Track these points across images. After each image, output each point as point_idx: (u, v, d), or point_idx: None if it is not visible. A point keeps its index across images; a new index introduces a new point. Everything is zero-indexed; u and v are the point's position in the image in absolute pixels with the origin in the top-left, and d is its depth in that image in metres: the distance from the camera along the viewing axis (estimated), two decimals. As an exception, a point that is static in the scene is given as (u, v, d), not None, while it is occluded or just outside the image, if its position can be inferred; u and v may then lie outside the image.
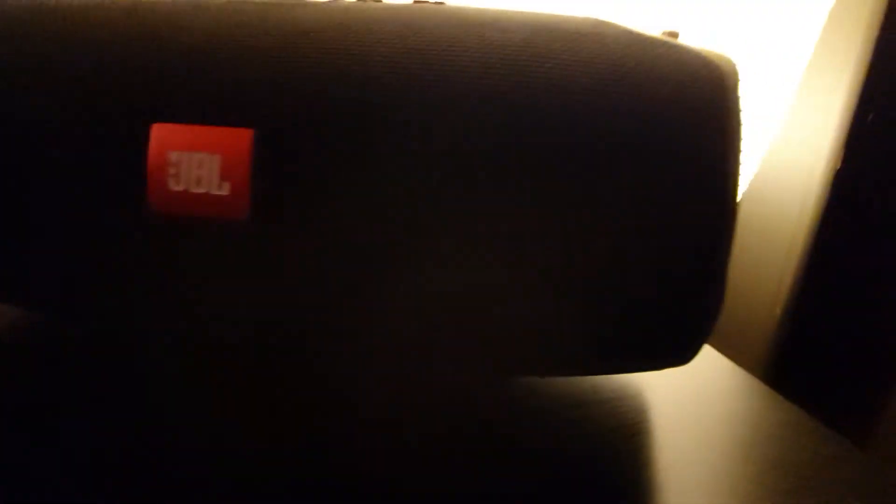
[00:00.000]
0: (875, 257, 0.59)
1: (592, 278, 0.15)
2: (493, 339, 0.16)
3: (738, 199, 0.15)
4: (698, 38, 0.19)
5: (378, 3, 0.17)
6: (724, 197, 0.15)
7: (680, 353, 0.17)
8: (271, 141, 0.14)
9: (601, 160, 0.14)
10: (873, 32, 0.53)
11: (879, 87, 0.52)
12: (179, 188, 0.14)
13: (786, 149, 0.57)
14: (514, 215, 0.14)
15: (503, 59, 0.14)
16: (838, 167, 0.53)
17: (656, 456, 0.18)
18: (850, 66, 0.52)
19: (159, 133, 0.14)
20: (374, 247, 0.14)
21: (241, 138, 0.14)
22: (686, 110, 0.15)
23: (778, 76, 0.38)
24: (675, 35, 0.18)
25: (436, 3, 0.18)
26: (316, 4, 0.16)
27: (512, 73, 0.14)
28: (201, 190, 0.14)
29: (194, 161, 0.14)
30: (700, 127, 0.15)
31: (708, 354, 0.23)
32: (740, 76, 0.17)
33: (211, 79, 0.14)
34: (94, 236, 0.15)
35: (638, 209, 0.14)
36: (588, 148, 0.14)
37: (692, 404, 0.21)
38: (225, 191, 0.14)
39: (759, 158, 0.47)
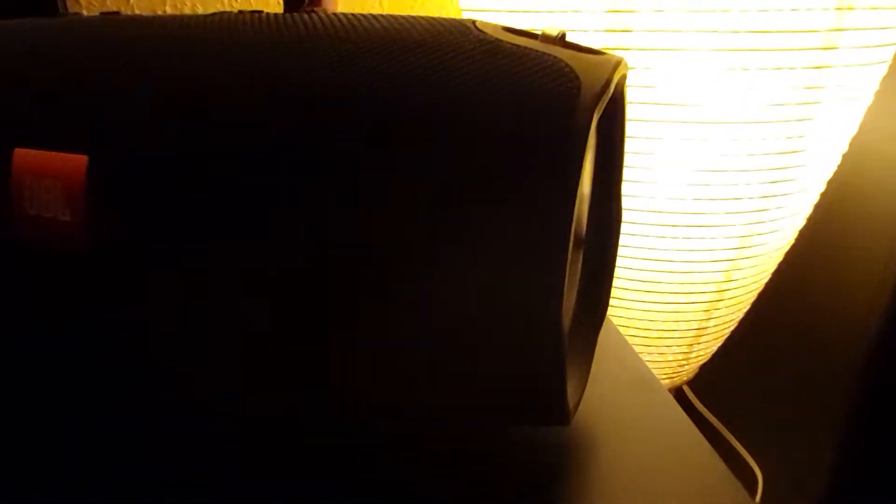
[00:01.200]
0: None
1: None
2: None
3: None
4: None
5: (215, 17, 0.17)
6: (555, 245, 0.13)
7: (546, 413, 0.16)
8: (108, 166, 0.14)
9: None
10: None
11: None
12: (33, 212, 0.15)
13: (879, 143, 0.49)
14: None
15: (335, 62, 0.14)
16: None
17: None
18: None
19: (19, 158, 0.15)
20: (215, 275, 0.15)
21: (77, 164, 0.14)
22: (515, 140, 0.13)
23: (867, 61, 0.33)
24: (560, 36, 0.16)
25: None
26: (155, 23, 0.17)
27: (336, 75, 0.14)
28: (49, 215, 0.15)
29: (43, 186, 0.15)
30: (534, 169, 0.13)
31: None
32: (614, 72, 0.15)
33: (61, 104, 0.15)
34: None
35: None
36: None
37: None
38: (67, 216, 0.15)
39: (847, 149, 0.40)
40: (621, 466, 0.18)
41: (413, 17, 0.17)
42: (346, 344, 0.15)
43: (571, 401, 0.18)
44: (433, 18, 0.17)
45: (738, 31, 0.31)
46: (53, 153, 0.15)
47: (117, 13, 0.19)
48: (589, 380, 0.22)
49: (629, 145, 0.36)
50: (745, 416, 0.66)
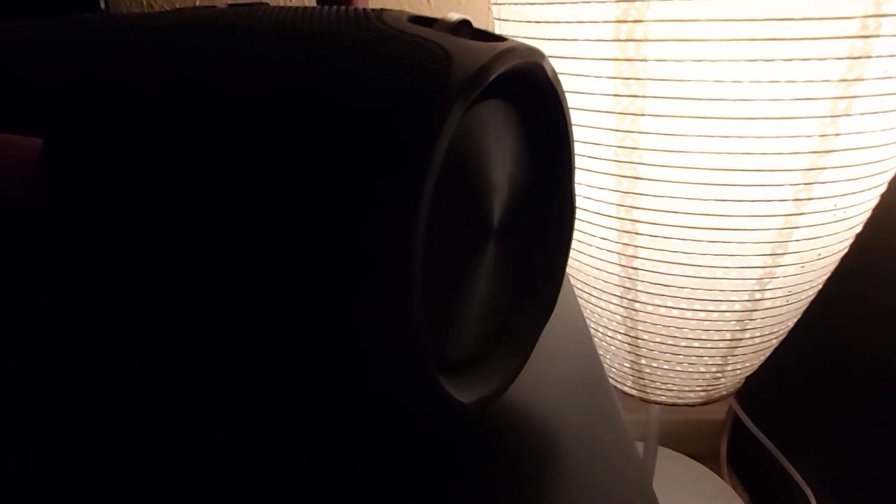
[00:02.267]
0: None
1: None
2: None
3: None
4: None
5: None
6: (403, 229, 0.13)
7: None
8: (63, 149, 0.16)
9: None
10: None
11: None
12: None
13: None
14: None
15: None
16: None
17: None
18: None
19: None
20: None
21: (32, 146, 0.16)
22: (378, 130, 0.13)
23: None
24: (458, 23, 0.16)
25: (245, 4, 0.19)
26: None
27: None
28: (10, 192, 0.17)
29: (3, 166, 0.17)
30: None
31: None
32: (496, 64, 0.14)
33: (22, 89, 0.17)
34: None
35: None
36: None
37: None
38: (23, 192, 0.17)
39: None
40: (541, 458, 0.18)
41: (327, 11, 0.17)
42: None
43: (474, 394, 0.18)
44: (346, 11, 0.17)
45: (765, 20, 0.29)
46: (10, 136, 0.17)
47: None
48: (535, 376, 0.22)
49: (651, 146, 0.35)
50: (799, 438, 0.61)
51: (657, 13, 0.31)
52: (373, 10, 0.17)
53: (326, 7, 0.18)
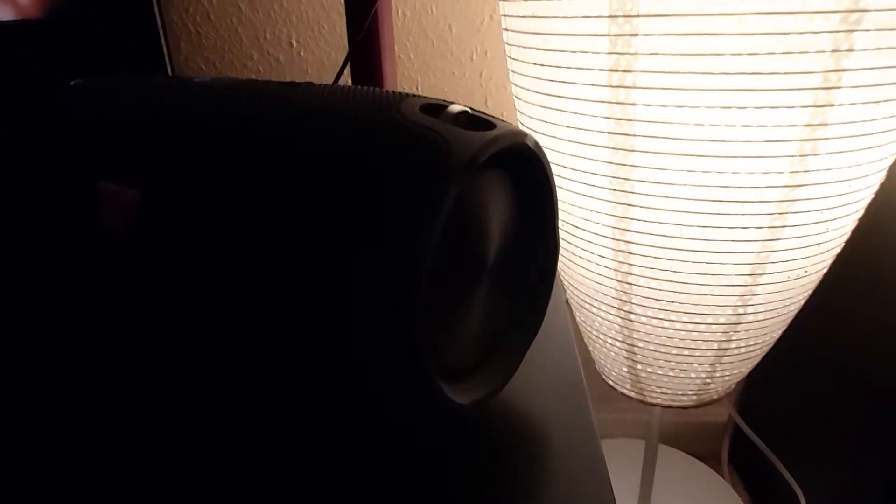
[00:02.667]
0: None
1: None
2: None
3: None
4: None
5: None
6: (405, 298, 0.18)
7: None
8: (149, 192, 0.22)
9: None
10: None
11: None
12: (109, 228, 0.23)
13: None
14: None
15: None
16: None
17: None
18: None
19: (105, 189, 0.23)
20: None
21: (132, 195, 0.22)
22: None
23: None
24: (460, 113, 0.21)
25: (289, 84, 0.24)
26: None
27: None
28: (118, 230, 0.22)
29: (114, 208, 0.22)
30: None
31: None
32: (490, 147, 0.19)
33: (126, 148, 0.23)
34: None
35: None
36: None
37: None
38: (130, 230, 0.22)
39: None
40: (511, 460, 0.23)
41: (360, 94, 0.22)
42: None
43: (470, 396, 0.23)
44: (375, 97, 0.22)
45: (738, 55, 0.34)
46: (121, 186, 0.22)
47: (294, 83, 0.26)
48: (520, 384, 0.27)
49: (641, 178, 0.39)
50: (793, 442, 0.65)
51: (645, 65, 0.36)
52: (396, 96, 0.22)
53: (361, 89, 0.23)
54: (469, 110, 0.21)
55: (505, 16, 0.45)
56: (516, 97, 0.48)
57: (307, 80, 0.69)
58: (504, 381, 0.25)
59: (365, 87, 0.24)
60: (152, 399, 0.24)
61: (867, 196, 0.42)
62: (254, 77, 0.70)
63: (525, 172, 0.23)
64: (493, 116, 0.22)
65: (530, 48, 0.42)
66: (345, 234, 0.19)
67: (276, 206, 0.20)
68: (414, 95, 0.22)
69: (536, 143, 0.23)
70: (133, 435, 0.22)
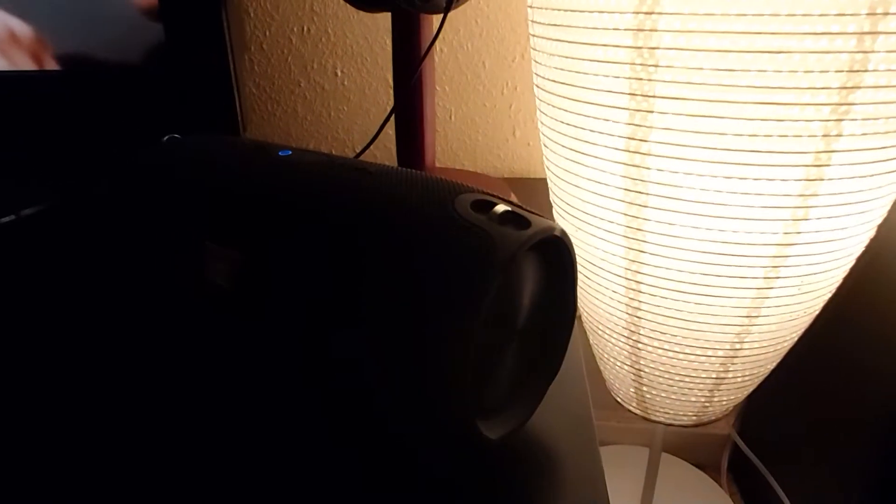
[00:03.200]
0: None
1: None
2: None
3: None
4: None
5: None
6: (464, 349, 0.24)
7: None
8: (247, 255, 0.28)
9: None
10: None
11: None
12: (213, 281, 0.29)
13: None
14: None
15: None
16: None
17: None
18: None
19: (210, 249, 0.29)
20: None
21: (235, 256, 0.28)
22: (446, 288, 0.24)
23: None
24: (508, 212, 0.26)
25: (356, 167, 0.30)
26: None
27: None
28: (223, 285, 0.28)
29: (221, 265, 0.28)
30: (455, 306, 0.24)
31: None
32: (526, 244, 0.25)
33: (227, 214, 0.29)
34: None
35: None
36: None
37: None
38: (232, 288, 0.28)
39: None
40: (524, 481, 0.28)
41: (422, 184, 0.28)
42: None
43: (499, 431, 0.28)
44: (433, 188, 0.28)
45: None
46: (227, 249, 0.28)
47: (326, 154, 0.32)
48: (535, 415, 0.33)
49: (655, 218, 0.45)
50: (785, 452, 0.70)
51: (659, 137, 0.41)
52: (452, 190, 0.28)
53: (422, 179, 0.29)
54: (511, 209, 0.27)
55: (536, 75, 0.51)
56: (544, 145, 0.53)
57: (349, 104, 0.75)
58: (528, 415, 0.31)
59: (424, 176, 0.29)
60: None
61: (857, 251, 0.47)
62: (300, 104, 0.75)
63: (553, 254, 0.29)
64: (530, 211, 0.28)
65: (557, 108, 0.47)
66: (414, 309, 0.24)
67: (348, 284, 0.26)
68: (468, 189, 0.28)
69: (563, 232, 0.28)
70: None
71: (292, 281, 0.27)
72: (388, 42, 0.72)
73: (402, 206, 0.27)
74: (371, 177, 0.29)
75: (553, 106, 0.48)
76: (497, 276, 0.24)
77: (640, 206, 0.44)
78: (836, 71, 0.36)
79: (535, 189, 0.70)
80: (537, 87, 0.51)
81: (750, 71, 0.36)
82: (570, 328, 0.31)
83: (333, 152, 0.79)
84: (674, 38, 0.37)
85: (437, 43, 0.71)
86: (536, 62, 0.50)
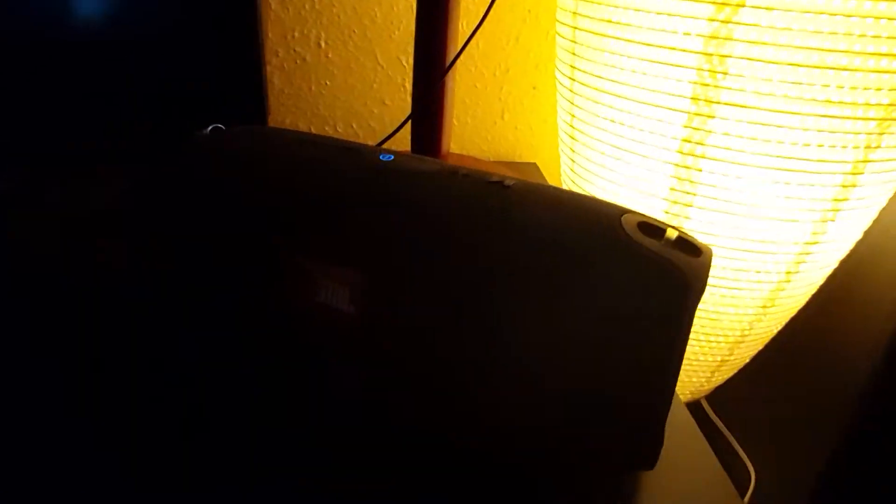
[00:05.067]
0: None
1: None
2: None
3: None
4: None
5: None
6: (663, 375, 0.24)
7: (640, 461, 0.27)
8: (376, 277, 0.26)
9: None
10: None
11: None
12: (320, 300, 0.26)
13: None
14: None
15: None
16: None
17: None
18: None
19: (313, 262, 0.26)
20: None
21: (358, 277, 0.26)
22: (642, 308, 0.24)
23: None
24: (676, 239, 0.26)
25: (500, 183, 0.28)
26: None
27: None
28: (336, 306, 0.26)
29: (332, 289, 0.26)
30: (653, 323, 0.24)
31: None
32: (707, 271, 0.25)
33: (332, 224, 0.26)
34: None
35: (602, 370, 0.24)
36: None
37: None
38: (351, 310, 0.26)
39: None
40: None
41: (578, 206, 0.27)
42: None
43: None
44: (592, 211, 0.27)
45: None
46: (341, 268, 0.26)
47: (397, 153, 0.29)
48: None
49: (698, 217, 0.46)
50: (743, 416, 0.77)
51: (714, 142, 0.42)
52: (610, 211, 0.27)
53: (570, 197, 0.28)
54: (679, 233, 0.27)
55: (571, 66, 0.50)
56: (572, 137, 0.53)
57: (332, 79, 0.70)
58: None
59: (572, 194, 0.28)
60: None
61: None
62: (277, 75, 0.70)
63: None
64: (689, 235, 0.28)
65: (600, 104, 0.47)
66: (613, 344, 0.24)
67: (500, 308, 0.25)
68: (625, 210, 0.27)
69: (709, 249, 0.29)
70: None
71: (430, 310, 0.25)
72: (379, 14, 0.68)
73: (566, 230, 0.26)
74: (512, 193, 0.28)
75: (594, 101, 0.48)
76: (694, 305, 0.24)
77: (683, 205, 0.46)
78: (889, 89, 0.39)
79: (522, 173, 0.70)
80: (570, 78, 0.51)
81: (815, 85, 0.39)
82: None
83: (313, 130, 0.74)
84: (748, 48, 0.39)
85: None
86: (575, 54, 0.49)
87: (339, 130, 0.73)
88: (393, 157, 0.30)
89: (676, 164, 0.45)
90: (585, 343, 0.24)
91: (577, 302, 0.24)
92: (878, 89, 0.39)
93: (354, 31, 0.68)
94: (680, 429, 0.29)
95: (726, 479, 0.26)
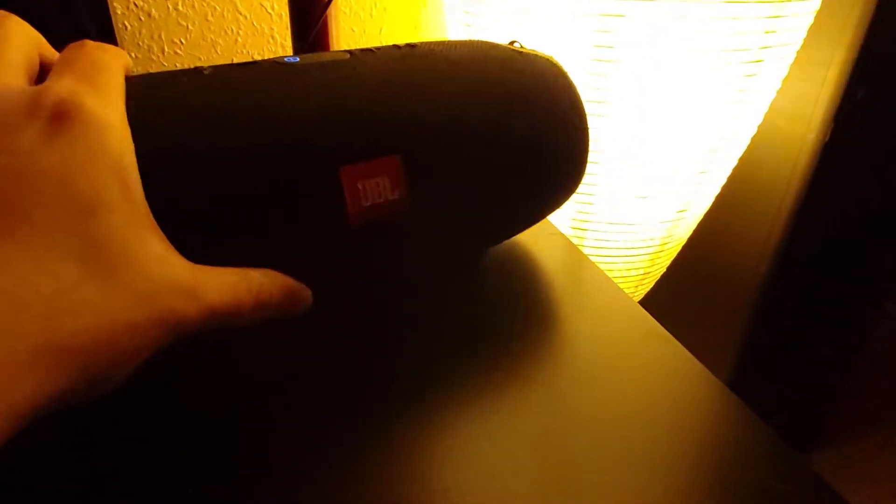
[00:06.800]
0: (854, 228, 0.65)
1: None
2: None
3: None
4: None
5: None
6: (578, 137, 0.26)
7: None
8: (412, 160, 0.22)
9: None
10: (868, 11, 0.57)
11: (870, 66, 0.57)
12: (368, 203, 0.21)
13: (777, 119, 0.63)
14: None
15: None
16: (826, 140, 0.59)
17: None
18: (843, 44, 0.57)
19: (347, 172, 0.21)
20: None
21: (395, 162, 0.21)
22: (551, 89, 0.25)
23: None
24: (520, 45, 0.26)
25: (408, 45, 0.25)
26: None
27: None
28: (382, 200, 0.21)
29: (374, 183, 0.21)
30: (562, 100, 0.26)
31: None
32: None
33: (373, 125, 0.22)
34: (306, 248, 0.22)
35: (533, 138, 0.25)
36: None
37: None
38: (396, 195, 0.22)
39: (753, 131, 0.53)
40: (644, 416, 0.21)
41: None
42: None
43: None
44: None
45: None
46: (374, 160, 0.21)
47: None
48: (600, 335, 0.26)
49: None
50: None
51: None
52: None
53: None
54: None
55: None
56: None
57: (188, 36, 0.61)
58: None
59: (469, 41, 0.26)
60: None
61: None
62: (118, 37, 0.59)
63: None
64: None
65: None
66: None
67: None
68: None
69: None
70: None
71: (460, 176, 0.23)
72: (235, -44, 0.60)
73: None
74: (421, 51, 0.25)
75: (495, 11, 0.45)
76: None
77: (596, 115, 0.45)
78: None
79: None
80: None
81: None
82: None
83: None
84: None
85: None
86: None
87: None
88: (298, 59, 0.25)
89: (591, 73, 0.44)
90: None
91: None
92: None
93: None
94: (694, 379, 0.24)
95: (760, 425, 0.21)
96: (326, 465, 0.19)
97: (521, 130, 0.25)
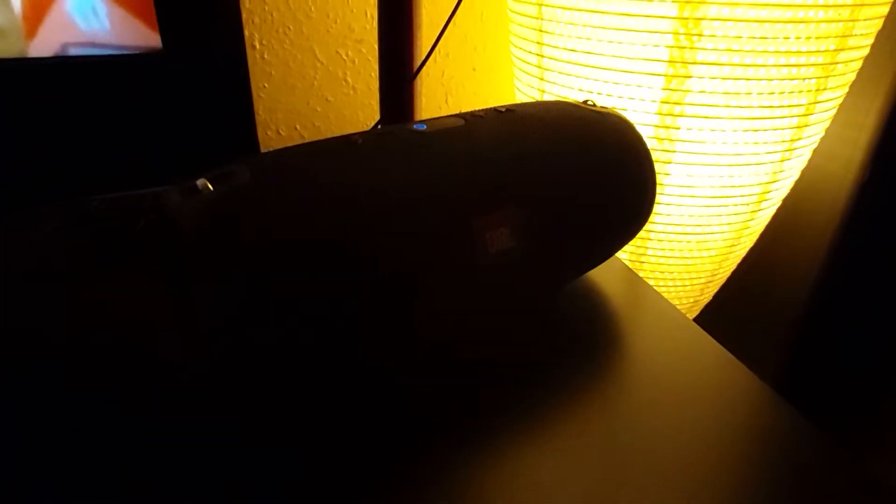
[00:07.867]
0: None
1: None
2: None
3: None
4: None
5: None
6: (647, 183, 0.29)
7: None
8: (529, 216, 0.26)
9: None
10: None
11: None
12: (493, 250, 0.26)
13: (823, 160, 0.67)
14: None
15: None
16: (865, 179, 0.63)
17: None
18: (879, 94, 0.61)
19: (481, 223, 0.26)
20: None
21: (516, 214, 0.26)
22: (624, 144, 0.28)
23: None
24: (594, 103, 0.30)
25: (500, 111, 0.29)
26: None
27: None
28: (504, 247, 0.25)
29: (497, 233, 0.26)
30: (632, 153, 0.28)
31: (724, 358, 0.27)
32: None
33: (492, 180, 0.26)
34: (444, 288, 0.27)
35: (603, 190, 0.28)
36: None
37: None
38: (514, 243, 0.26)
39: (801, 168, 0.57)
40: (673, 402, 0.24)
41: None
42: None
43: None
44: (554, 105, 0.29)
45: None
46: (497, 213, 0.26)
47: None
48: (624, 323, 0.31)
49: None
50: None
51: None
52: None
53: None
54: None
55: (538, 43, 0.52)
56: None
57: (270, 81, 0.67)
58: None
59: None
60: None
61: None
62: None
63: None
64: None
65: (573, 76, 0.49)
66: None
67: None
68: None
69: None
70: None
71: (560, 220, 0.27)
72: (314, 9, 0.65)
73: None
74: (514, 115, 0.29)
75: (567, 74, 0.50)
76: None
77: (663, 162, 0.49)
78: (834, 36, 0.44)
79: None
80: (538, 55, 0.53)
81: (777, 38, 0.43)
82: None
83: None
84: (720, 9, 0.42)
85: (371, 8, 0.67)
86: (542, 31, 0.51)
87: (283, 134, 0.70)
88: (425, 126, 0.30)
89: (656, 126, 0.48)
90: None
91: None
92: (826, 37, 0.44)
93: (290, 28, 0.65)
94: (717, 363, 0.27)
95: (782, 403, 0.25)
96: (386, 490, 0.20)
97: (600, 182, 0.28)
